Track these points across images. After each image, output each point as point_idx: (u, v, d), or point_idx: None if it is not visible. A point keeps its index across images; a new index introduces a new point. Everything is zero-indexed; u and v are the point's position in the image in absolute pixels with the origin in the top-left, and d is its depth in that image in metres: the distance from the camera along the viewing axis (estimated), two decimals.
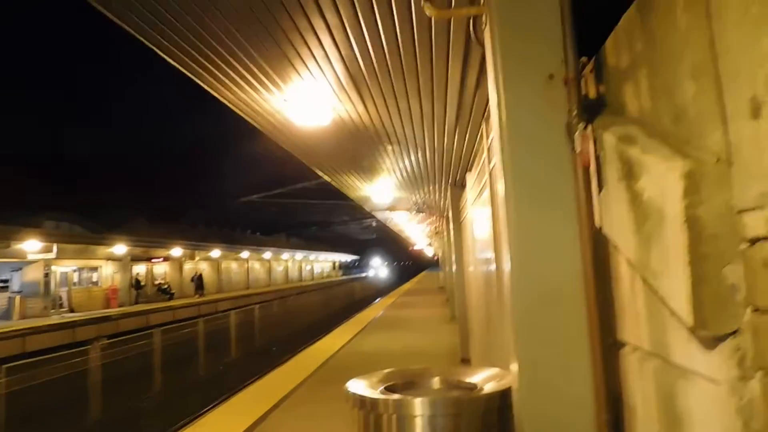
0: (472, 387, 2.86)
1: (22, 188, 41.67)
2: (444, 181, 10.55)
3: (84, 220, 35.76)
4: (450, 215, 11.19)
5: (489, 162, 4.47)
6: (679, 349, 1.95)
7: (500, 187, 2.46)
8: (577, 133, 2.24)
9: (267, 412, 7.12)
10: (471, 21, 3.20)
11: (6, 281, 27.84)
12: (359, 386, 2.90)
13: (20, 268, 27.43)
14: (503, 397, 2.60)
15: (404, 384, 3.00)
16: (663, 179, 1.80)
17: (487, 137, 4.53)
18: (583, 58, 3.08)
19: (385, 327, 16.51)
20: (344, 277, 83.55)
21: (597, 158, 2.40)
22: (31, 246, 24.76)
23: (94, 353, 15.73)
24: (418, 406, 2.59)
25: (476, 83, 4.81)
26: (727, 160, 1.67)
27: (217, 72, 4.93)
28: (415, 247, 45.95)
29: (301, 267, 73.62)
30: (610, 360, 2.60)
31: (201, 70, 4.87)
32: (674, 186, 1.71)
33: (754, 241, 1.55)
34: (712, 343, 1.71)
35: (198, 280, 40.61)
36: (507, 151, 2.38)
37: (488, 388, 2.76)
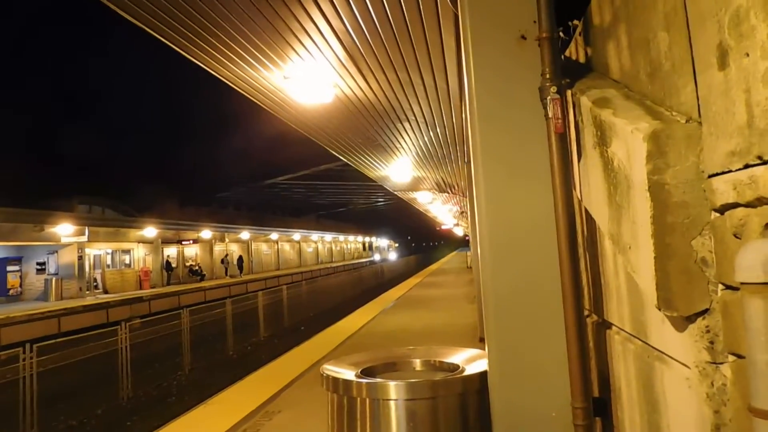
0: (454, 368, 2.73)
1: (54, 174, 42.74)
2: (460, 160, 10.32)
3: (115, 204, 36.45)
4: (468, 194, 10.98)
5: None
6: (655, 330, 1.79)
7: (471, 158, 2.29)
8: (548, 97, 2.05)
9: (279, 390, 7.12)
10: None
11: (42, 264, 28.65)
12: (337, 368, 2.80)
13: (56, 251, 28.18)
14: (483, 379, 2.46)
15: (384, 366, 2.89)
16: (629, 142, 1.62)
17: None
18: (575, 21, 2.88)
19: (409, 306, 16.44)
20: (373, 258, 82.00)
21: (576, 125, 2.22)
22: (64, 229, 25.39)
23: (126, 333, 16.03)
24: (393, 389, 2.47)
25: None
26: (698, 119, 1.49)
27: (210, 50, 4.84)
28: (444, 227, 45.66)
29: (331, 248, 73.90)
30: (598, 341, 2.44)
31: (195, 48, 4.79)
32: (639, 149, 1.53)
33: (723, 209, 1.38)
34: (681, 323, 1.54)
35: (238, 262, 41.72)
36: (475, 117, 2.21)
37: (469, 370, 2.63)
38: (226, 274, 40.75)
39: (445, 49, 4.49)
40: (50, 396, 12.81)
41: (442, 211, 28.39)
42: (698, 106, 1.48)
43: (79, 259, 28.07)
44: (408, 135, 8.25)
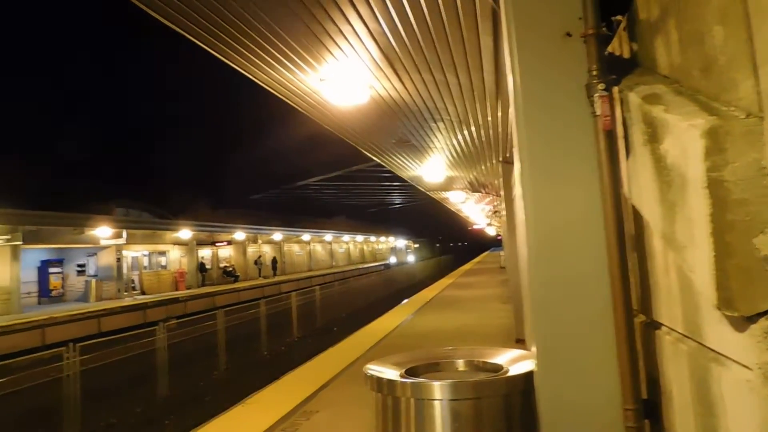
0: (498, 369, 2.71)
1: (91, 178, 43.90)
2: (494, 158, 10.25)
3: (151, 207, 37.24)
4: (503, 193, 10.90)
5: None
6: (711, 330, 1.75)
7: (516, 157, 2.28)
8: (596, 94, 2.03)
9: (316, 390, 7.17)
10: None
11: (82, 266, 29.46)
12: (380, 368, 2.81)
13: (95, 254, 28.93)
14: (527, 380, 2.45)
15: (427, 366, 2.89)
16: (684, 139, 1.59)
17: None
18: (618, 17, 2.84)
19: (442, 307, 16.38)
20: (388, 262, 74.81)
21: (624, 122, 2.19)
22: (102, 232, 26.03)
23: (164, 333, 16.34)
24: (437, 389, 2.47)
25: None
26: (759, 114, 1.45)
27: (248, 53, 4.90)
28: (475, 227, 45.36)
29: (362, 249, 73.89)
30: (647, 342, 2.39)
31: (231, 52, 4.85)
32: (695, 146, 1.50)
33: None
34: (741, 324, 1.50)
35: (272, 263, 42.36)
36: (521, 118, 2.19)
37: (513, 370, 2.61)
38: (260, 275, 41.23)
39: (482, 48, 4.47)
40: (91, 394, 13.17)
41: (475, 211, 28.22)
42: (759, 100, 1.44)
43: (117, 261, 28.76)
44: (441, 134, 8.23)
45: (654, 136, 1.84)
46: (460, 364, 2.92)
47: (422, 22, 4.06)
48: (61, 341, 16.73)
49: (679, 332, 2.01)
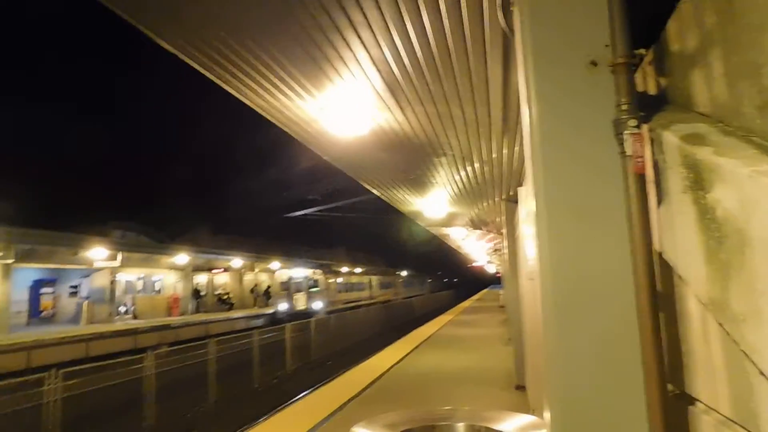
0: None
1: (90, 198, 43.75)
2: (498, 196, 9.98)
3: (149, 231, 36.85)
4: (505, 232, 10.61)
5: None
6: None
7: (530, 200, 1.99)
8: (627, 131, 1.76)
9: (312, 428, 6.79)
10: (500, 3, 2.76)
11: (76, 287, 28.99)
12: (373, 429, 2.48)
13: (89, 275, 28.49)
14: None
15: (423, 429, 2.56)
16: (746, 189, 1.31)
17: None
18: (641, 50, 2.60)
19: (440, 346, 15.94)
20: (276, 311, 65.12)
21: (655, 164, 1.91)
22: (97, 254, 25.63)
23: (152, 361, 15.90)
24: None
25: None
26: None
27: (244, 78, 4.66)
28: (475, 264, 44.89)
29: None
30: (676, 416, 2.08)
31: (228, 75, 4.61)
32: (762, 199, 1.22)
33: None
34: None
35: (265, 292, 41.69)
36: (537, 156, 1.93)
37: None
38: (255, 304, 40.64)
39: (489, 79, 4.24)
40: (73, 423, 12.70)
41: (474, 248, 27.88)
42: None
43: (111, 284, 28.32)
44: (444, 169, 7.98)
45: (698, 183, 1.56)
46: (460, 428, 2.58)
47: (427, 51, 3.83)
48: (47, 365, 16.26)
49: (723, 415, 1.70)
